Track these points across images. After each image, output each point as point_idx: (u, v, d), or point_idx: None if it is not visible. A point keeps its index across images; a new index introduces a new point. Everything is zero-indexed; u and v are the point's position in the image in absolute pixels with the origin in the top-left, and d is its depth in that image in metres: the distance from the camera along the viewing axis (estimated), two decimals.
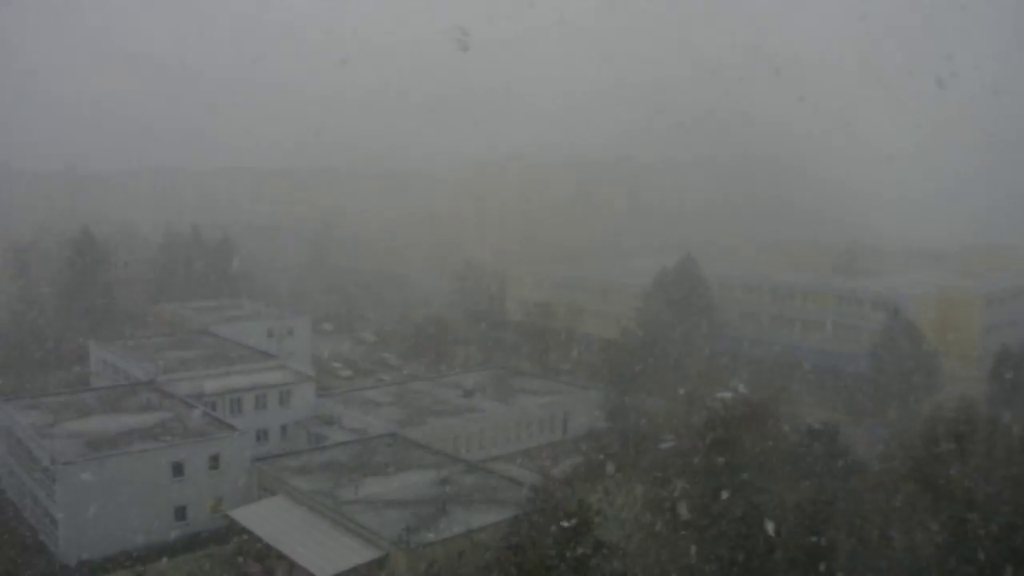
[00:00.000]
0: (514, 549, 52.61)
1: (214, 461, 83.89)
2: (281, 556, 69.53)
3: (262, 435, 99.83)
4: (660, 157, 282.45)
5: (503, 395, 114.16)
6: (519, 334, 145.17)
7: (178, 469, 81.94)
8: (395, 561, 65.16)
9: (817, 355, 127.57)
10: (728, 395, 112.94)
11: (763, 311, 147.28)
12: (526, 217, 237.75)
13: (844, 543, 55.75)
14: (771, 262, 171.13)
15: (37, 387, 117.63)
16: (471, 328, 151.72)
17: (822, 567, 52.80)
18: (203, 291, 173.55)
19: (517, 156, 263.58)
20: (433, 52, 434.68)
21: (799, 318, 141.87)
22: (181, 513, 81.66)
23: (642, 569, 54.70)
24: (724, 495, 58.31)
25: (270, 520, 74.65)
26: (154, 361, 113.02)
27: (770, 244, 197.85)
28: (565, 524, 50.84)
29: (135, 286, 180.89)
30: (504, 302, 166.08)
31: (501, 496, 75.96)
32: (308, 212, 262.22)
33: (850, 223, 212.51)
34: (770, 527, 53.29)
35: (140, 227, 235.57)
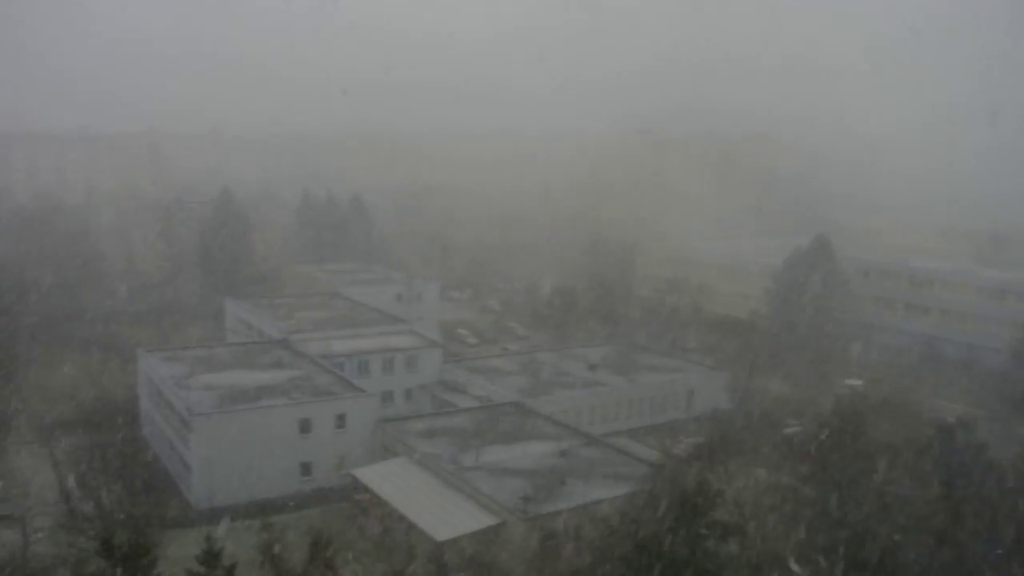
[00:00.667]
0: (631, 524, 52.38)
1: (340, 420, 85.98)
2: (400, 516, 70.78)
3: (388, 397, 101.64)
4: (799, 134, 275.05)
5: (627, 370, 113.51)
6: (645, 310, 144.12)
7: (306, 426, 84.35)
8: (512, 529, 65.64)
9: (955, 347, 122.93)
10: (858, 383, 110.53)
11: (899, 298, 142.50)
12: (656, 192, 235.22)
13: (974, 547, 53.61)
14: (907, 247, 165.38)
15: (177, 340, 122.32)
16: (598, 301, 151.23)
17: (950, 571, 50.92)
18: (336, 254, 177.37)
19: (648, 130, 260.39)
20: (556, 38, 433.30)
21: (938, 307, 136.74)
22: (307, 469, 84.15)
23: (758, 554, 53.72)
24: (849, 487, 56.76)
25: (391, 481, 76.08)
26: (287, 320, 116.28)
27: (907, 228, 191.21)
28: (684, 503, 50.26)
29: (271, 247, 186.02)
30: (631, 277, 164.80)
31: (620, 471, 75.81)
32: (439, 180, 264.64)
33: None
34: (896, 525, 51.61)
35: (278, 190, 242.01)
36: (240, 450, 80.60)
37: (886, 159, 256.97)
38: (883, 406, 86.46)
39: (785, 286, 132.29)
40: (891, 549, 51.79)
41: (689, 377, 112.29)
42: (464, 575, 60.55)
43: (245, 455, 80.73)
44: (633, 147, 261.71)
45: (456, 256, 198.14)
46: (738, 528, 51.90)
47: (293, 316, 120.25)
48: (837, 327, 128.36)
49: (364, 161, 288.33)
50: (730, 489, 61.65)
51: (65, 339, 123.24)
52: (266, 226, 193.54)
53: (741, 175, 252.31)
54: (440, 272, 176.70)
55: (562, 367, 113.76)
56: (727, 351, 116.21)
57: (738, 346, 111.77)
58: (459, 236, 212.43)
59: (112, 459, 71.37)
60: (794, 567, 51.02)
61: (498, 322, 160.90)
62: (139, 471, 73.60)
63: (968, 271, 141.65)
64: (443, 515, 68.62)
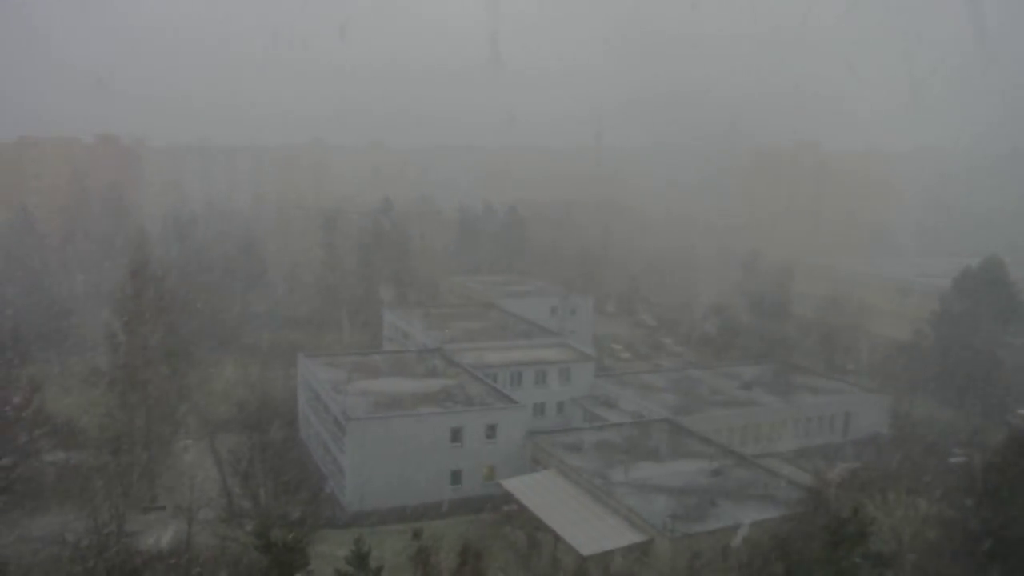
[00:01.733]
0: (782, 549, 51.19)
1: (491, 430, 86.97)
2: (547, 529, 71.05)
3: (539, 409, 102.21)
4: (970, 152, 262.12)
5: (782, 390, 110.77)
6: (803, 329, 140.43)
7: (457, 435, 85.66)
8: (659, 547, 65.01)
9: None
10: None
11: None
12: (816, 208, 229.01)
13: None
14: None
15: (336, 346, 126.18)
16: (754, 319, 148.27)
17: None
18: (491, 266, 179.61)
19: (810, 144, 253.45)
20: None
21: None
22: (456, 477, 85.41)
23: None
24: (1020, 524, 53.83)
25: (539, 493, 76.43)
26: (442, 330, 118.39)
27: None
28: (838, 530, 48.77)
29: (429, 257, 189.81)
30: (789, 294, 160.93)
31: (772, 493, 74.05)
32: (595, 191, 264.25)
33: None
34: None
35: (436, 202, 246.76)
36: (392, 455, 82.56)
37: None
38: None
39: (954, 308, 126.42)
40: None
41: (847, 400, 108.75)
42: None
43: (397, 461, 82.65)
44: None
45: (610, 270, 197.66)
46: (895, 559, 50.04)
47: (448, 326, 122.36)
48: (1011, 353, 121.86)
49: (520, 172, 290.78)
50: (888, 519, 59.51)
51: (230, 342, 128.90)
52: (424, 236, 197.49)
53: (902, 192, 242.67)
54: (594, 286, 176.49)
55: (715, 385, 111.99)
56: (888, 374, 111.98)
57: (901, 369, 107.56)
58: (614, 250, 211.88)
59: (270, 458, 73.98)
60: None
61: (651, 337, 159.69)
62: (295, 471, 76.08)
63: None
64: (590, 529, 68.52)
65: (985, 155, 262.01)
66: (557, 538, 69.13)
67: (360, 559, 48.56)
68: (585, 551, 65.20)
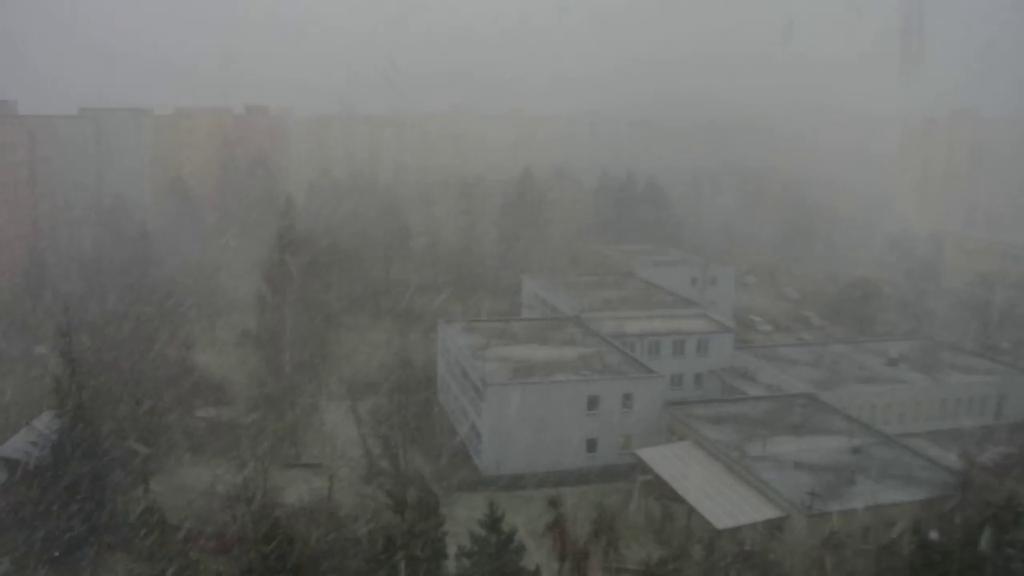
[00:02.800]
0: (925, 532, 49.63)
1: (628, 400, 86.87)
2: (681, 500, 70.68)
3: (676, 380, 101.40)
4: None
5: (930, 368, 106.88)
6: (955, 305, 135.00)
7: (593, 403, 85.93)
8: (795, 524, 63.92)
9: None
10: None
11: None
12: (968, 179, 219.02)
13: None
14: None
15: (476, 313, 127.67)
16: (902, 293, 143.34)
17: None
18: (631, 235, 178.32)
19: (964, 111, 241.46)
20: None
21: None
22: (592, 445, 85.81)
23: None
24: None
25: (675, 464, 76.05)
26: (581, 298, 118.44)
27: None
28: (988, 516, 46.98)
29: (568, 225, 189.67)
30: (941, 269, 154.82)
31: (916, 475, 71.79)
32: (735, 160, 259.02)
33: None
34: None
35: (577, 169, 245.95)
36: (529, 421, 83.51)
37: None
38: None
39: None
40: None
41: (1001, 381, 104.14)
42: (741, 566, 59.58)
43: (533, 427, 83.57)
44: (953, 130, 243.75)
45: (753, 241, 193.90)
46: None
47: (587, 294, 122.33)
48: None
49: (661, 140, 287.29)
50: None
51: (373, 307, 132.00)
52: (564, 204, 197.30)
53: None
54: (736, 256, 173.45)
55: (859, 360, 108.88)
56: None
57: None
58: (756, 220, 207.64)
59: (409, 421, 75.85)
60: None
61: (793, 310, 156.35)
62: (433, 434, 77.78)
63: None
64: (725, 503, 67.88)
65: None
66: (691, 510, 68.78)
67: (493, 522, 49.39)
68: (720, 524, 64.71)
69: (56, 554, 62.76)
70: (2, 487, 73.99)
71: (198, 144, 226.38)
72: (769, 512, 66.06)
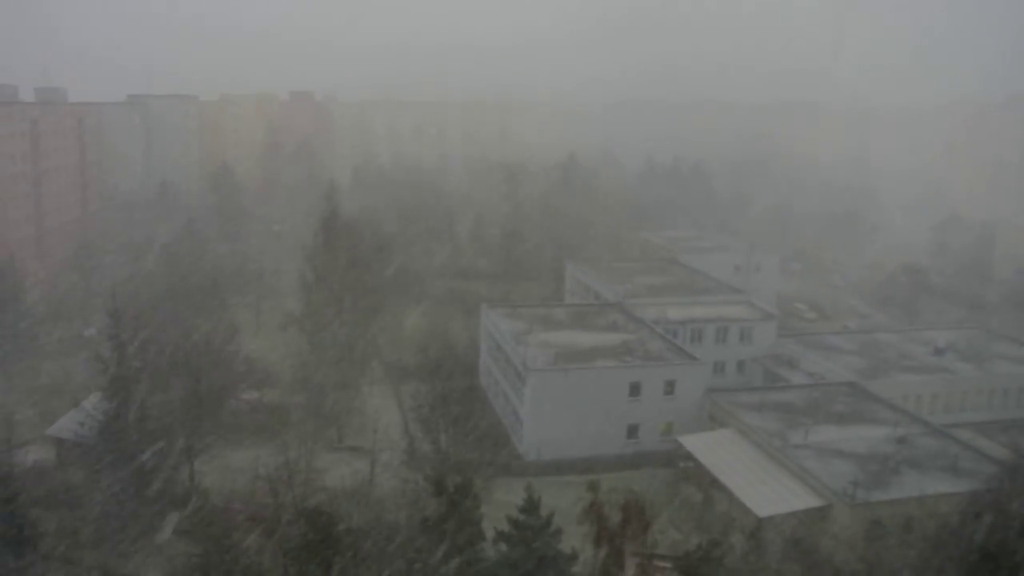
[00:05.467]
0: (971, 525, 48.87)
1: (670, 386, 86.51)
2: (722, 487, 70.35)
3: (719, 367, 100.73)
4: None
5: (979, 358, 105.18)
6: (1006, 293, 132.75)
7: (635, 389, 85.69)
8: (837, 513, 63.36)
9: None
10: None
11: None
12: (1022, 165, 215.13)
13: None
14: None
15: (518, 298, 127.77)
16: (951, 282, 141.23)
17: None
18: (675, 221, 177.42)
19: (1020, 96, 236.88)
20: None
21: None
22: (633, 431, 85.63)
23: None
24: None
25: (716, 451, 75.71)
26: (624, 284, 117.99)
27: None
28: None
29: (612, 211, 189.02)
30: (992, 257, 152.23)
31: (963, 466, 70.77)
32: (782, 148, 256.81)
33: None
34: None
35: (620, 156, 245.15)
36: (570, 407, 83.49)
37: None
38: None
39: None
40: None
41: None
42: (782, 555, 59.16)
43: (575, 412, 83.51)
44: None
45: (797, 227, 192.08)
46: None
47: (630, 280, 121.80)
48: None
49: (709, 127, 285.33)
50: None
51: (416, 291, 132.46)
52: (608, 190, 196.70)
53: None
54: (780, 243, 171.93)
55: (905, 349, 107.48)
56: None
57: None
58: (801, 207, 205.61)
59: (451, 405, 76.04)
60: None
61: (838, 298, 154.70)
62: (475, 419, 77.85)
63: None
64: (766, 491, 67.49)
65: None
66: (732, 497, 68.42)
67: (531, 507, 49.42)
68: (761, 512, 64.34)
69: (103, 530, 63.92)
70: (52, 465, 75.67)
71: (244, 130, 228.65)
72: (811, 501, 65.56)
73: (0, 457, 62.32)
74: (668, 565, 58.51)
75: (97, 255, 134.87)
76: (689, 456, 77.38)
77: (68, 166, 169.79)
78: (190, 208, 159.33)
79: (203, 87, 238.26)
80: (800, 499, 65.99)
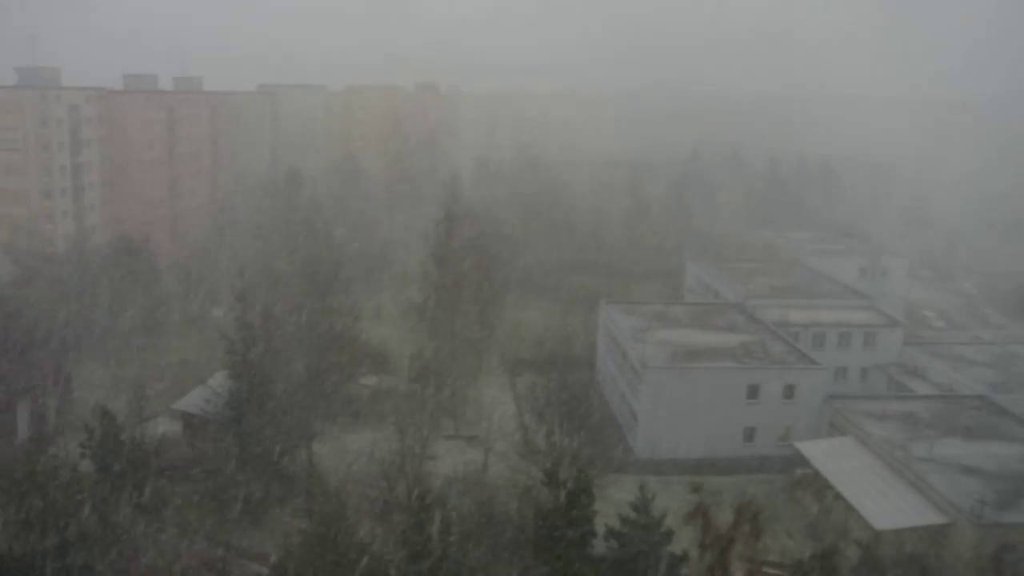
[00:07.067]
0: None
1: (789, 390, 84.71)
2: (839, 497, 68.52)
3: (840, 373, 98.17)
4: None
5: None
6: None
7: (753, 392, 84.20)
8: (961, 532, 60.95)
9: None
10: None
11: None
12: None
13: None
14: None
15: (638, 295, 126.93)
16: None
17: None
18: (800, 221, 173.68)
19: None
20: None
21: None
22: (749, 434, 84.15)
23: None
24: None
25: (835, 460, 73.78)
26: (745, 285, 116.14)
27: None
28: None
29: (735, 210, 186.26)
30: None
31: None
32: (917, 147, 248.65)
33: None
34: None
35: (744, 153, 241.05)
36: (686, 407, 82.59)
37: None
38: None
39: None
40: None
41: None
42: (900, 571, 57.27)
43: (691, 412, 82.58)
44: None
45: (929, 231, 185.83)
46: None
47: (751, 281, 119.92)
48: None
49: (840, 123, 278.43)
50: None
51: (536, 284, 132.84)
52: (731, 188, 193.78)
53: None
54: (910, 247, 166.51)
55: None
56: None
57: None
58: (932, 210, 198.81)
59: (566, 399, 76.00)
60: None
61: (970, 306, 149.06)
62: (589, 414, 77.65)
63: None
64: (885, 504, 65.45)
65: None
66: (849, 508, 66.60)
67: (643, 505, 49.01)
68: (878, 525, 62.48)
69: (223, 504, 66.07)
70: (178, 438, 78.56)
71: (369, 120, 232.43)
72: (933, 517, 63.25)
73: (131, 428, 64.68)
74: (778, 573, 57.47)
75: (226, 238, 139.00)
76: (806, 463, 75.65)
77: (201, 152, 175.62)
78: (316, 195, 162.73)
79: (337, 78, 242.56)
80: (921, 514, 63.76)
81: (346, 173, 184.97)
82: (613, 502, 56.17)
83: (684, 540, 50.77)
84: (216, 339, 78.22)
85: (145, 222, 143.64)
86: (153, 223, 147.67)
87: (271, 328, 78.34)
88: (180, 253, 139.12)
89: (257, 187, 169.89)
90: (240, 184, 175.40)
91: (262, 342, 73.75)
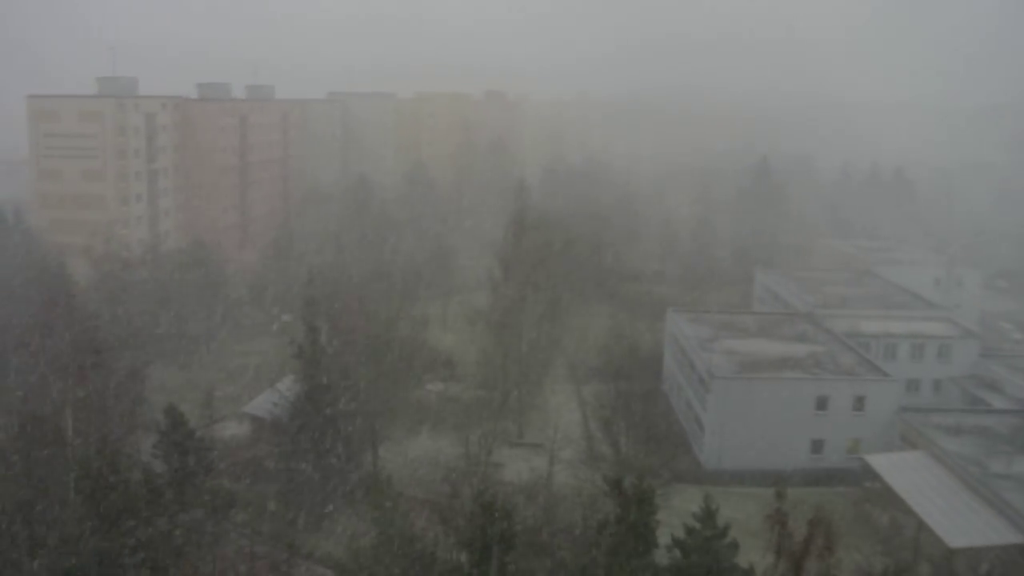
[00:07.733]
0: None
1: (859, 402, 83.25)
2: (910, 512, 67.02)
3: (913, 386, 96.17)
4: None
5: None
6: None
7: (822, 403, 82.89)
8: None
9: None
10: None
11: None
12: None
13: None
14: None
15: (706, 303, 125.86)
16: None
17: None
18: (872, 230, 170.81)
19: None
20: None
21: None
22: (818, 446, 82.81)
23: None
24: None
25: (906, 474, 72.17)
26: (815, 294, 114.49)
27: None
28: None
29: (805, 218, 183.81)
30: None
31: None
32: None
33: None
34: None
35: (816, 161, 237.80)
36: (754, 417, 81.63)
37: None
38: None
39: None
40: None
41: None
42: None
43: (758, 423, 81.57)
44: None
45: (1006, 241, 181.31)
46: None
47: (821, 290, 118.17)
48: None
49: (912, 130, 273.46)
50: None
51: (603, 293, 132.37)
52: (800, 196, 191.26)
53: None
54: (986, 258, 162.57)
55: None
56: None
57: None
58: (1012, 219, 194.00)
59: (632, 408, 75.61)
60: None
61: None
62: (655, 423, 77.21)
63: None
64: (960, 521, 63.80)
65: None
66: (921, 524, 65.08)
67: (707, 516, 48.48)
68: (952, 543, 60.95)
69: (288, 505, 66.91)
70: (246, 441, 79.80)
71: (438, 127, 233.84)
72: (1011, 536, 61.47)
73: (201, 430, 65.76)
74: None
75: (296, 244, 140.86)
76: (876, 476, 74.13)
77: (272, 159, 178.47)
78: (385, 202, 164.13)
79: (406, 85, 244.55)
80: (998, 533, 62.05)
81: (415, 180, 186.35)
82: (678, 512, 55.66)
83: (750, 552, 50.06)
84: (285, 344, 79.26)
85: (217, 228, 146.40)
86: (224, 229, 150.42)
87: (339, 333, 79.19)
88: (250, 259, 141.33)
89: (327, 194, 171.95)
90: (310, 191, 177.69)
91: (329, 347, 74.55)
